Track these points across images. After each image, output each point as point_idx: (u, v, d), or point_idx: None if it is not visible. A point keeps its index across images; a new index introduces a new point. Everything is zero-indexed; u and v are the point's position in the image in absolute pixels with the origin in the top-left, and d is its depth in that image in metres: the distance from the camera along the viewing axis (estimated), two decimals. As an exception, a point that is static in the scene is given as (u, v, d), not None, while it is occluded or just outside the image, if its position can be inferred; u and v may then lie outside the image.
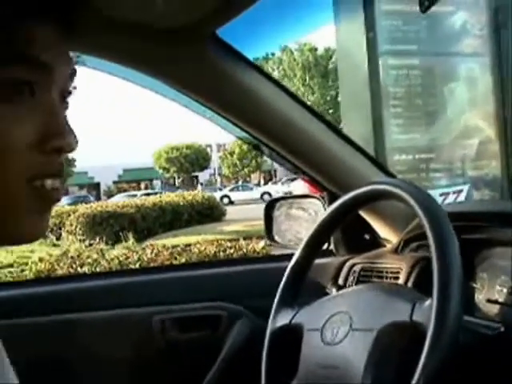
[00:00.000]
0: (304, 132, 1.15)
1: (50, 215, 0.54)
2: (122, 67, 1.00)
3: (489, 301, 0.93)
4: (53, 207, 0.54)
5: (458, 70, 5.10)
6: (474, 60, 5.10)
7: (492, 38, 4.94)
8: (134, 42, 0.94)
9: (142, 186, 32.89)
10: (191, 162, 30.29)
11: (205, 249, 5.66)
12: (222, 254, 5.56)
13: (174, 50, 0.96)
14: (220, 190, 27.83)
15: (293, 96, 1.14)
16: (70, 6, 0.54)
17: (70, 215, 11.13)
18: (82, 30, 0.61)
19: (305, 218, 1.46)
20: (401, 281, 1.08)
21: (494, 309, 0.91)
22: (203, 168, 31.65)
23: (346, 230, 1.34)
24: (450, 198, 4.59)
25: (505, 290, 0.91)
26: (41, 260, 5.85)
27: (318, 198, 1.37)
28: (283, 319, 0.95)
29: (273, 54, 27.19)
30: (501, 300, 0.91)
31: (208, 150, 32.37)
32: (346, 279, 1.27)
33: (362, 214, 1.28)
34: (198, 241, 6.64)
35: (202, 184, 32.33)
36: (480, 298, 0.96)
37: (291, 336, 0.93)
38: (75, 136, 0.53)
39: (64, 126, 0.52)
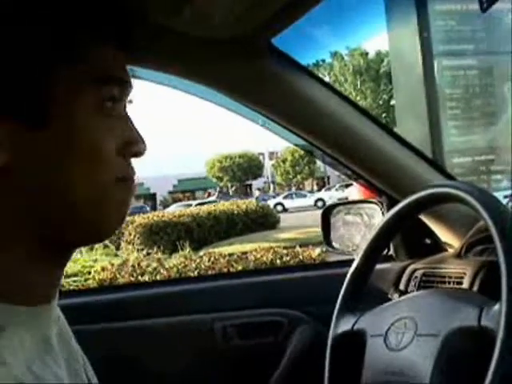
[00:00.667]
0: (361, 136, 1.14)
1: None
2: (173, 77, 1.02)
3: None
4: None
5: (518, 69, 4.93)
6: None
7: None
8: (191, 54, 0.96)
9: (206, 195, 33.13)
10: (244, 170, 30.50)
11: (261, 256, 5.67)
12: (278, 261, 5.56)
13: (232, 60, 0.98)
14: (274, 197, 27.83)
15: (349, 101, 1.14)
16: (131, 26, 0.61)
17: (128, 225, 11.36)
18: (139, 44, 0.65)
19: (363, 223, 1.45)
20: (465, 286, 1.06)
21: None
22: (256, 176, 31.77)
23: (406, 234, 1.32)
24: (516, 201, 4.43)
25: None
26: (103, 269, 5.99)
27: (376, 203, 1.36)
28: (345, 325, 0.95)
29: (323, 61, 27.14)
30: None
31: (261, 158, 32.48)
32: (407, 285, 1.25)
33: (422, 217, 1.26)
34: (254, 248, 6.66)
35: (259, 189, 32.34)
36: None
37: (354, 342, 0.92)
38: (145, 143, 0.60)
39: (138, 134, 0.60)
